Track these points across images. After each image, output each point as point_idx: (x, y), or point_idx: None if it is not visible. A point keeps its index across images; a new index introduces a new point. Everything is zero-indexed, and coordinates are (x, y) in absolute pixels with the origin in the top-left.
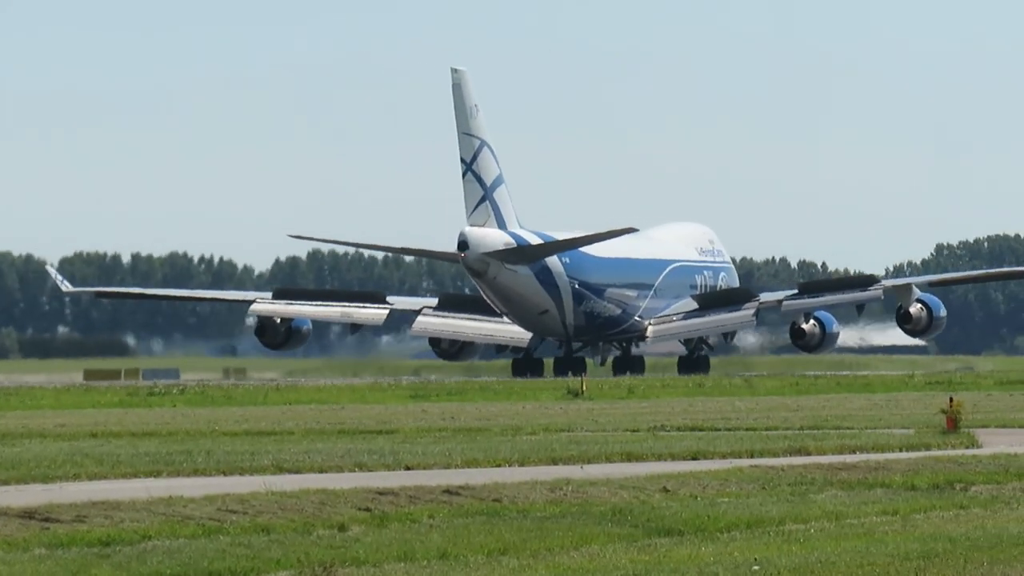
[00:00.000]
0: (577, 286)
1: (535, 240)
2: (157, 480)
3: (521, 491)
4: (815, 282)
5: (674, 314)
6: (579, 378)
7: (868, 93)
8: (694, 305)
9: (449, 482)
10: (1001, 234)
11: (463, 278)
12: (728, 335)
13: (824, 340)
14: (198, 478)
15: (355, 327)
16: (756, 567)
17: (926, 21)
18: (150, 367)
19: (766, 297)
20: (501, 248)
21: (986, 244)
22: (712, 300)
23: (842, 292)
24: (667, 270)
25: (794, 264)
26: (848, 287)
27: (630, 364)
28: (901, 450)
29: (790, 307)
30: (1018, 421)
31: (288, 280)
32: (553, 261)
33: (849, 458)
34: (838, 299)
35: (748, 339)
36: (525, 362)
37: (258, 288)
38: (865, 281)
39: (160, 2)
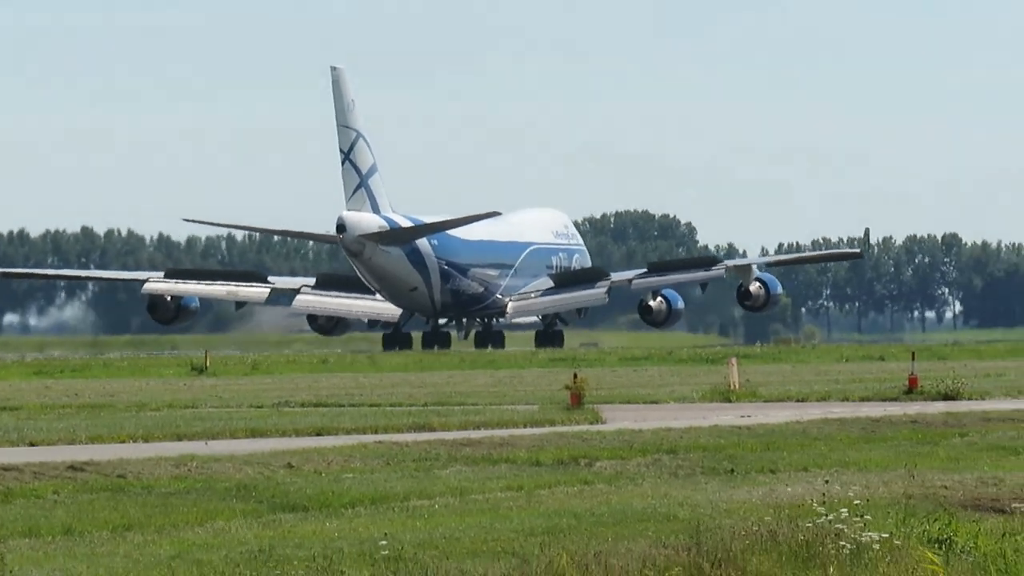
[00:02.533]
0: (444, 266)
1: (406, 223)
2: None
3: (146, 467)
4: (663, 262)
5: (532, 292)
6: (203, 354)
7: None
8: (550, 283)
9: (74, 458)
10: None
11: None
12: (581, 311)
13: (670, 316)
14: None
15: (240, 304)
16: (384, 542)
17: None
18: None
19: (617, 276)
20: (375, 231)
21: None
22: (567, 279)
23: (688, 271)
24: (526, 252)
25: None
26: (693, 267)
27: (491, 338)
28: (526, 426)
29: (640, 285)
30: (641, 397)
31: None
32: (423, 243)
33: (474, 434)
34: (684, 277)
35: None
36: (395, 336)
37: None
38: (709, 261)
39: None
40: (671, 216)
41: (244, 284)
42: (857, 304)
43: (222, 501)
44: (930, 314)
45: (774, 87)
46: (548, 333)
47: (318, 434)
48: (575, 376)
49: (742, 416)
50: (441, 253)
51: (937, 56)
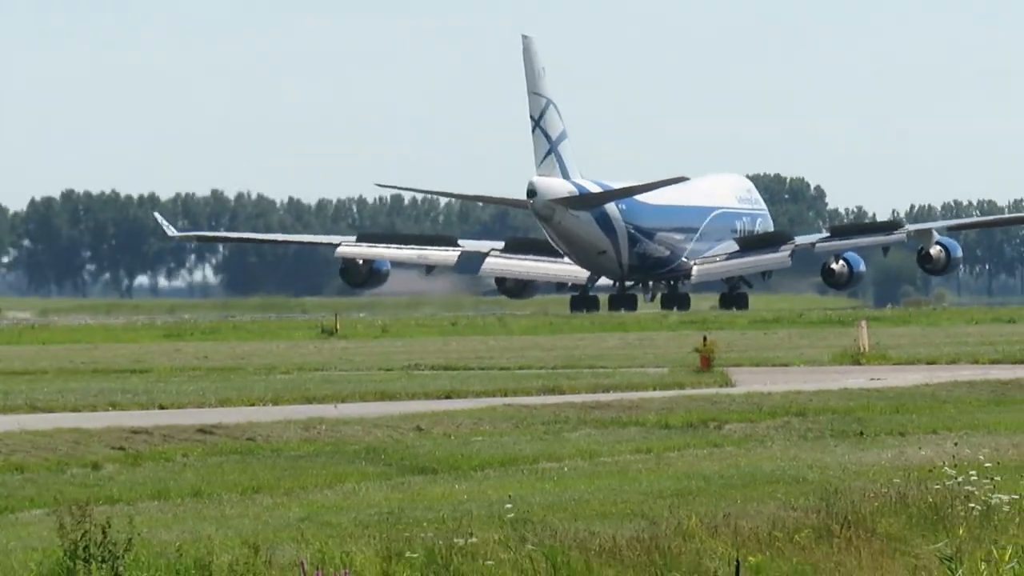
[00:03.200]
0: (632, 230)
1: (595, 189)
2: None
3: (275, 430)
4: (845, 226)
5: (717, 255)
6: (333, 318)
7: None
8: (735, 247)
9: (203, 421)
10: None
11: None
12: (765, 274)
13: (851, 278)
14: None
15: (430, 268)
16: (509, 505)
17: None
18: None
19: (801, 240)
20: (565, 196)
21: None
22: (751, 243)
23: (870, 235)
24: (710, 216)
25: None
26: (875, 231)
27: (677, 300)
28: (655, 389)
29: (823, 249)
30: (771, 360)
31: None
32: (611, 207)
33: (603, 397)
34: (866, 241)
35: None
36: (582, 299)
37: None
38: (890, 225)
39: None
40: (802, 179)
41: (434, 248)
42: (988, 266)
43: (351, 464)
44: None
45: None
46: (733, 296)
47: (447, 397)
48: (704, 339)
49: (871, 379)
50: (628, 217)
51: None
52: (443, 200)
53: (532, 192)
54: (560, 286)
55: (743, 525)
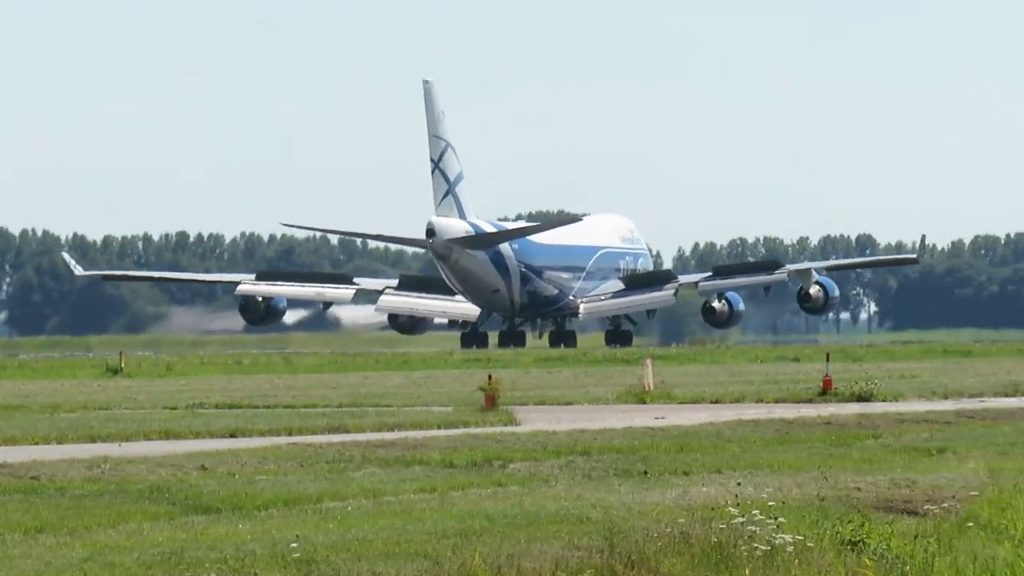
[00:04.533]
0: (524, 269)
1: (490, 229)
2: None
3: (59, 469)
4: (727, 266)
5: (603, 294)
6: (118, 356)
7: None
8: (621, 286)
9: None
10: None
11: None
12: (650, 312)
13: (732, 317)
14: None
15: (327, 304)
16: (294, 544)
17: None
18: None
19: (684, 279)
20: (463, 236)
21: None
22: (637, 281)
23: (751, 275)
24: (596, 255)
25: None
26: (756, 271)
27: (564, 337)
28: (440, 427)
29: (706, 288)
30: (556, 398)
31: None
32: (504, 247)
33: (388, 435)
34: (748, 281)
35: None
36: (473, 335)
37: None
38: (771, 265)
39: None
40: None
41: (331, 285)
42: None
43: (135, 503)
44: (845, 315)
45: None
46: (617, 333)
47: (232, 436)
48: (489, 377)
49: (656, 417)
50: (521, 257)
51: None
52: (333, 238)
53: (431, 232)
54: (452, 322)
55: (527, 565)
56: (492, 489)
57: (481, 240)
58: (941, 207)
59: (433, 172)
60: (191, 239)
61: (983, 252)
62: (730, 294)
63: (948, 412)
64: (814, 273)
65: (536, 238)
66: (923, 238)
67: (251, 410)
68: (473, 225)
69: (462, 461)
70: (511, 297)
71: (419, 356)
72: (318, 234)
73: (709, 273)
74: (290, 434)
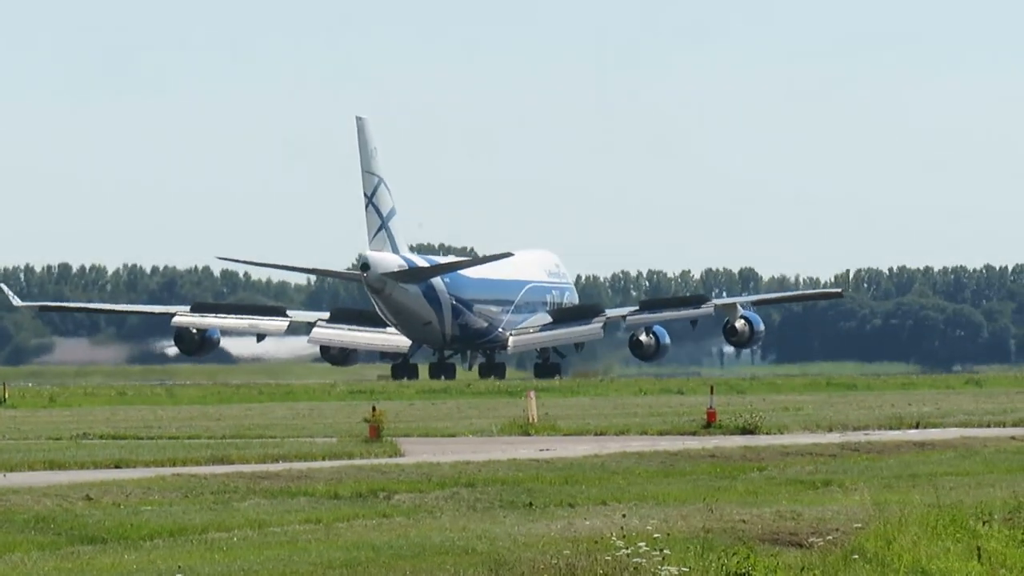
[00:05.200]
0: (455, 302)
1: (423, 263)
2: None
3: None
4: (654, 300)
5: (531, 327)
6: (1, 387)
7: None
8: (548, 319)
9: None
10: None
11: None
12: (578, 345)
13: (658, 350)
14: None
15: (261, 336)
16: (180, 575)
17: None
18: None
19: (611, 313)
20: (396, 270)
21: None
22: (565, 315)
23: (678, 309)
24: (524, 289)
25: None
26: (683, 305)
27: (494, 369)
28: (324, 459)
29: (633, 322)
30: (440, 430)
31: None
32: (437, 281)
33: (272, 467)
34: (674, 315)
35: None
36: (403, 367)
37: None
38: (698, 300)
39: None
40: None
41: (264, 317)
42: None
43: (20, 533)
44: (729, 349)
45: None
46: (546, 365)
47: (116, 466)
48: (373, 409)
49: (541, 449)
50: (452, 290)
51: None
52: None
53: (365, 266)
54: (384, 355)
55: None
56: (377, 520)
57: (414, 274)
58: (824, 241)
59: (367, 207)
60: (73, 271)
61: (866, 286)
62: (657, 328)
63: (833, 445)
64: (739, 308)
65: (467, 272)
66: (847, 272)
67: (135, 441)
68: (406, 259)
69: (347, 492)
70: (443, 330)
71: (303, 388)
72: (200, 266)
73: (636, 307)
74: (175, 465)
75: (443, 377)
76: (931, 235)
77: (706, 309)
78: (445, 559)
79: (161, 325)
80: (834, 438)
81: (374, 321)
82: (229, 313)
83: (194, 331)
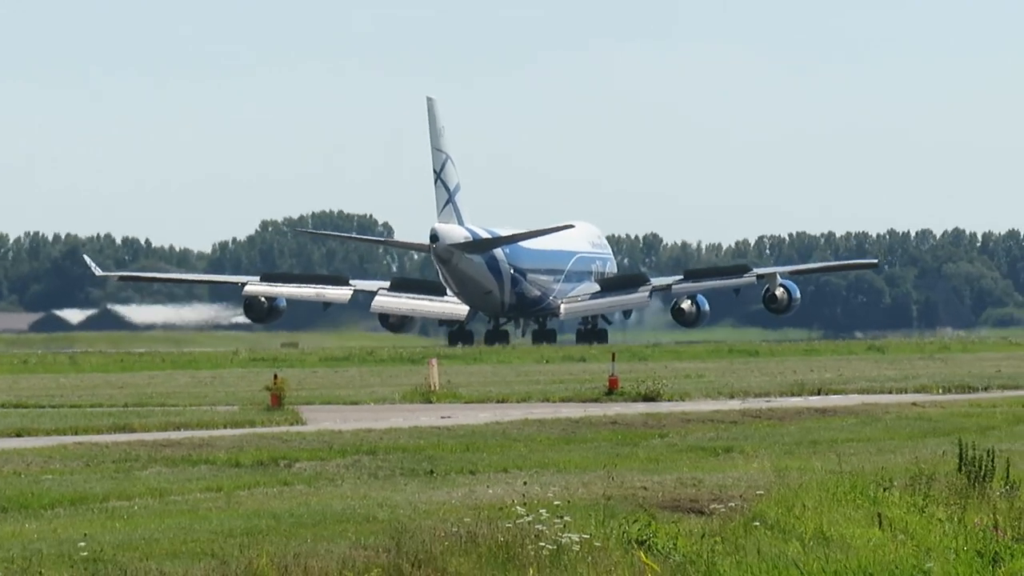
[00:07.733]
0: (514, 272)
1: (486, 235)
2: None
3: None
4: (698, 269)
5: (581, 295)
6: None
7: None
8: (596, 288)
9: None
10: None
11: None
12: (626, 312)
13: (699, 316)
14: None
15: (326, 305)
16: (82, 543)
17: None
18: None
19: (657, 281)
20: (462, 241)
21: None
22: (612, 283)
23: (721, 278)
24: (573, 259)
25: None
26: (726, 274)
27: (545, 336)
28: (226, 427)
29: (678, 290)
30: (342, 398)
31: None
32: (498, 252)
33: (174, 435)
34: (718, 284)
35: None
36: (460, 333)
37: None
38: (740, 269)
39: None
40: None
41: (329, 286)
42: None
43: None
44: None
45: None
46: (591, 331)
47: (18, 435)
48: (275, 377)
49: (442, 417)
50: (512, 261)
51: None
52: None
53: (435, 237)
54: (442, 322)
55: (313, 565)
56: (278, 488)
57: (479, 245)
58: (725, 207)
59: (436, 182)
60: None
61: (768, 252)
62: (699, 296)
63: (734, 411)
64: (779, 277)
65: (524, 243)
66: (746, 240)
67: (37, 409)
68: (471, 231)
69: (248, 460)
70: (502, 298)
71: (205, 356)
72: (103, 235)
73: (680, 276)
74: (76, 433)
75: (497, 343)
76: (834, 201)
77: (748, 278)
78: (346, 527)
79: (67, 294)
80: (735, 405)
81: (430, 290)
82: (295, 282)
83: (263, 300)
